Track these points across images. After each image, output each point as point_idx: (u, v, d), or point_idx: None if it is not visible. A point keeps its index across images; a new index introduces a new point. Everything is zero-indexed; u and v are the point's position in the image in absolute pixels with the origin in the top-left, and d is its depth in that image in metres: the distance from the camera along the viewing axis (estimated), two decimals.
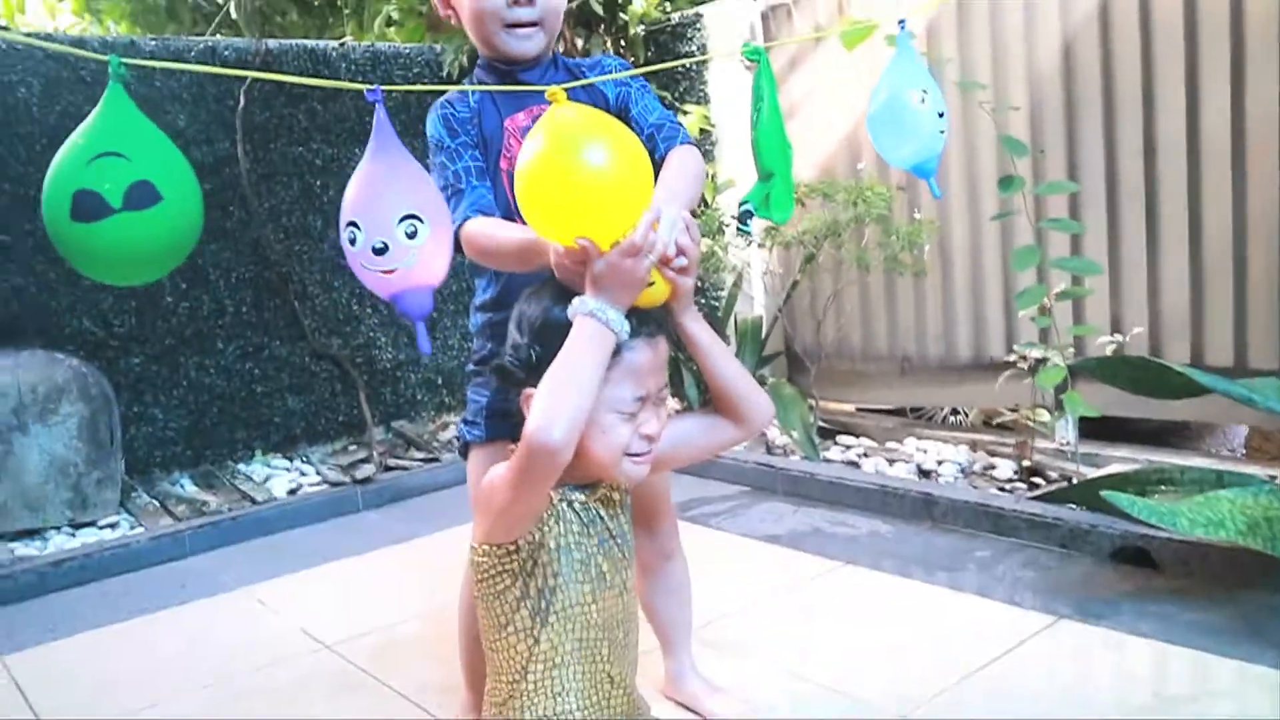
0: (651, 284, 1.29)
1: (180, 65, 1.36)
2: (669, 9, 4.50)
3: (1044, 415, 3.24)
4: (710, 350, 1.41)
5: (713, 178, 4.26)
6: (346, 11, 5.97)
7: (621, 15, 4.35)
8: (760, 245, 3.93)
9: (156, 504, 3.72)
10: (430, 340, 1.28)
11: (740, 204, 1.59)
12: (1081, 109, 3.38)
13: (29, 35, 3.96)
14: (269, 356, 4.27)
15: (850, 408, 4.32)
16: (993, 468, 3.44)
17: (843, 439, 3.92)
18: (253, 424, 4.25)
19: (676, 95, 4.34)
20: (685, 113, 4.22)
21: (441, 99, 1.76)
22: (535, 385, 1.27)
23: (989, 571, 2.71)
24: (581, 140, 1.21)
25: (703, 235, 3.75)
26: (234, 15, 4.95)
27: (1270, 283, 3.06)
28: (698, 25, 4.29)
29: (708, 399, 1.49)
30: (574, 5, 4.08)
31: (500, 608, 1.33)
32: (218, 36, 5.15)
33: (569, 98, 1.62)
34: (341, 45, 4.43)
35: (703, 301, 4.37)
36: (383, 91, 1.27)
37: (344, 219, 1.23)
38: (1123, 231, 3.35)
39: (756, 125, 1.56)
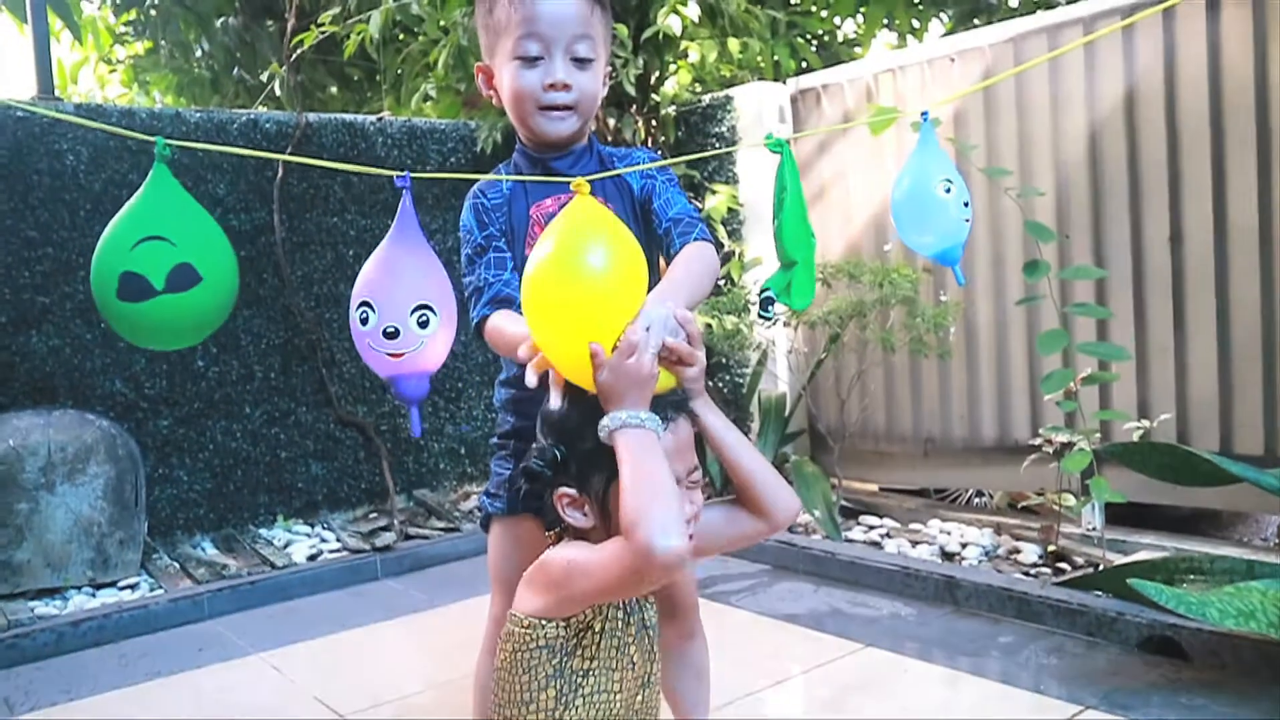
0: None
1: (225, 148, 1.42)
2: (700, 90, 4.60)
3: (1070, 499, 3.21)
4: (725, 440, 1.40)
5: (740, 256, 4.31)
6: (385, 87, 6.14)
7: (653, 96, 4.45)
8: (785, 324, 3.95)
9: (177, 566, 3.73)
10: (421, 423, 1.30)
11: (761, 291, 1.61)
12: (1108, 196, 3.41)
13: (80, 108, 4.09)
14: (295, 422, 4.31)
15: (873, 487, 4.29)
16: (1017, 551, 3.39)
17: (865, 519, 3.88)
18: (276, 489, 4.27)
19: (705, 175, 4.41)
20: (714, 192, 4.29)
21: (476, 187, 1.80)
22: (564, 485, 1.30)
23: (1013, 658, 2.66)
24: (573, 247, 1.25)
25: (728, 313, 3.79)
26: (277, 90, 5.10)
27: None
28: (728, 107, 4.37)
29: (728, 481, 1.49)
30: (612, 80, 4.18)
31: (528, 682, 1.30)
32: (260, 109, 5.29)
33: (596, 184, 1.65)
34: (379, 120, 4.54)
35: (727, 378, 4.38)
36: (411, 178, 1.31)
37: (356, 297, 1.26)
38: (1150, 317, 3.35)
39: (779, 214, 1.59)
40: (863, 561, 3.33)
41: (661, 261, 1.78)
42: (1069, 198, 3.51)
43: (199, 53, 6.75)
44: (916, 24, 5.99)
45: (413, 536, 4.04)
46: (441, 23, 4.58)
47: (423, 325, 1.25)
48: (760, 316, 1.61)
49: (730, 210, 4.32)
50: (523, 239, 1.75)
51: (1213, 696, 2.35)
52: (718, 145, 4.40)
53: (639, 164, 1.84)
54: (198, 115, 4.12)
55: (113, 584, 3.51)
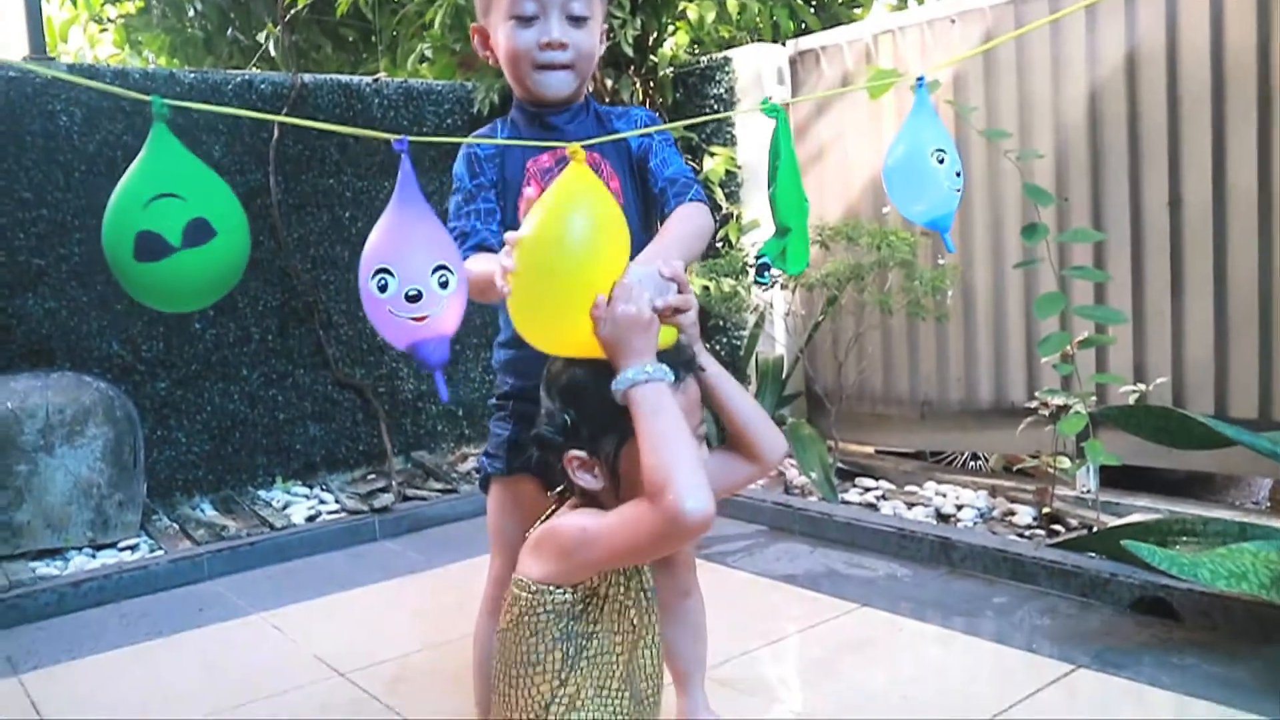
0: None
1: (221, 109, 1.41)
2: (698, 52, 4.56)
3: (1065, 462, 3.23)
4: (722, 387, 1.42)
5: (738, 218, 4.30)
6: (380, 48, 6.08)
7: (651, 57, 4.41)
8: (783, 287, 3.95)
9: (176, 527, 3.75)
10: (448, 387, 1.30)
11: (757, 257, 1.62)
12: (1107, 159, 3.40)
13: (73, 68, 4.05)
14: (292, 384, 4.31)
15: (870, 450, 4.31)
16: (1012, 514, 3.42)
17: (861, 481, 3.90)
18: (274, 451, 4.29)
19: (703, 137, 4.39)
20: (712, 154, 4.27)
21: (469, 140, 1.81)
22: (575, 448, 1.31)
23: (1007, 618, 2.69)
24: (553, 226, 1.30)
25: (725, 275, 3.78)
26: (271, 51, 5.06)
27: None
28: (726, 68, 4.34)
29: (724, 437, 1.50)
30: (611, 39, 4.15)
31: (535, 644, 1.32)
32: (255, 70, 5.25)
33: (593, 147, 1.65)
34: (375, 81, 4.51)
35: (725, 340, 4.39)
36: (409, 141, 1.30)
37: (370, 265, 1.25)
38: (1147, 281, 3.35)
39: (774, 180, 1.59)
40: (859, 523, 3.36)
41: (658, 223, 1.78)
42: (1068, 161, 3.49)
43: (192, 12, 6.67)
44: None
45: (411, 498, 4.06)
46: None
47: (444, 285, 1.25)
48: (757, 282, 1.62)
49: (728, 172, 4.31)
50: (516, 193, 1.75)
51: (1203, 656, 2.38)
52: (716, 107, 4.37)
53: (636, 122, 1.84)
54: (192, 76, 4.09)
55: (113, 545, 3.53)
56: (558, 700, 1.31)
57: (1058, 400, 3.14)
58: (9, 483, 3.35)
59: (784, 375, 4.23)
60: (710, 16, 4.38)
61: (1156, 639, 2.50)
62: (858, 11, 5.24)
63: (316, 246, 4.35)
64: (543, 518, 1.41)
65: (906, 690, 2.30)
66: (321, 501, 4.10)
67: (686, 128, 4.35)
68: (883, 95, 3.73)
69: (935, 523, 3.40)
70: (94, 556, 3.46)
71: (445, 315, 1.25)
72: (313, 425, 4.36)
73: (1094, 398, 3.15)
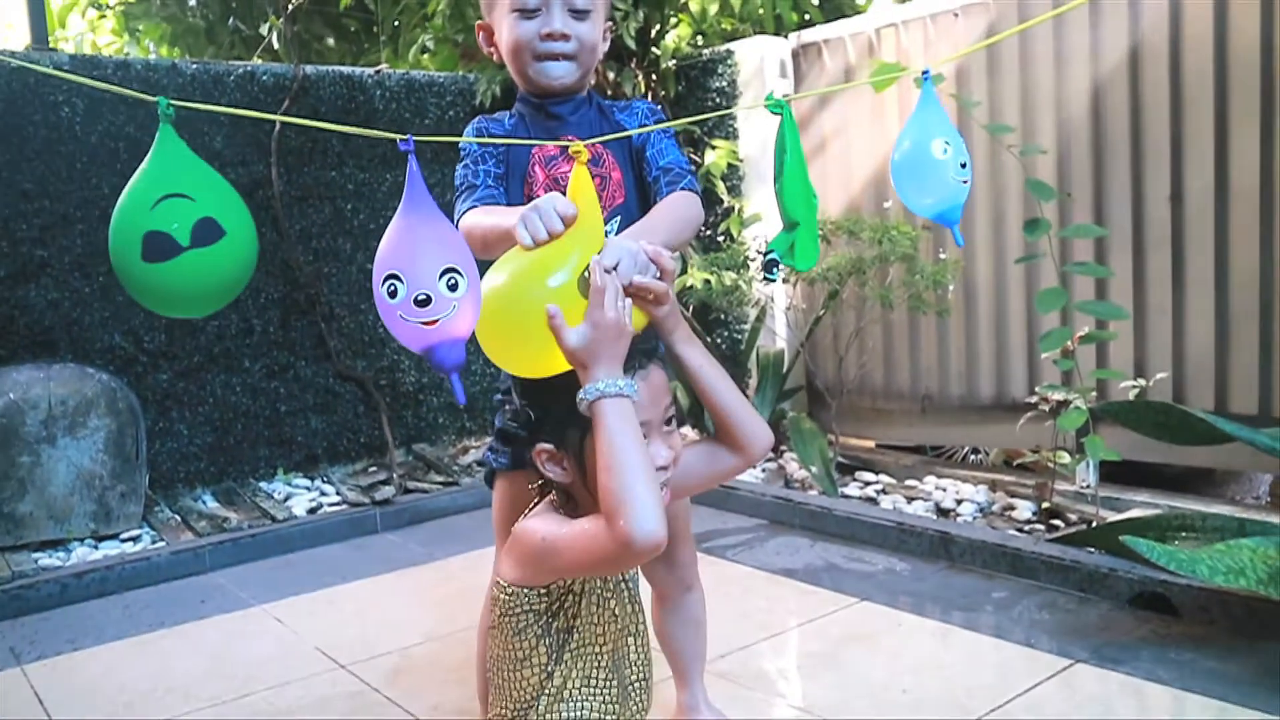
0: None
1: (227, 110, 1.41)
2: (700, 44, 4.55)
3: (1065, 457, 3.23)
4: (704, 375, 1.41)
5: (739, 212, 4.30)
6: (382, 39, 6.07)
7: (653, 50, 4.41)
8: (784, 281, 3.95)
9: (178, 519, 3.76)
10: (463, 390, 1.30)
11: (765, 252, 1.61)
12: (1110, 154, 3.40)
13: (75, 59, 4.04)
14: (294, 376, 4.32)
15: (870, 444, 4.32)
16: (1012, 508, 3.43)
17: (861, 475, 3.91)
18: (276, 443, 4.29)
19: (704, 130, 4.39)
20: (713, 147, 4.26)
21: (479, 116, 1.83)
22: (542, 442, 1.32)
23: (1005, 612, 2.70)
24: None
25: (727, 269, 3.79)
26: (273, 42, 5.05)
27: None
28: (729, 61, 4.34)
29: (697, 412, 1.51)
30: (613, 33, 4.14)
31: (519, 643, 1.34)
32: (257, 61, 5.24)
33: (596, 134, 1.67)
34: (377, 73, 4.51)
35: (726, 334, 4.39)
36: (414, 140, 1.30)
37: (381, 271, 1.25)
38: (1149, 277, 3.35)
39: (780, 175, 1.58)
40: (859, 517, 3.37)
41: None
42: (1070, 155, 3.49)
43: (193, 1, 6.66)
44: None
45: (412, 490, 4.07)
46: None
47: (452, 289, 1.24)
48: (765, 278, 1.62)
49: (730, 166, 4.30)
50: (521, 179, 1.76)
51: (1201, 651, 2.39)
52: (718, 99, 4.37)
53: (639, 114, 1.85)
54: (194, 67, 4.09)
55: (115, 536, 3.54)
56: (546, 693, 1.33)
57: (1058, 395, 3.15)
58: (12, 474, 3.36)
59: (785, 369, 4.23)
60: (713, 9, 4.37)
61: (1154, 634, 2.51)
62: (861, 4, 5.23)
63: (318, 239, 4.35)
64: (526, 511, 1.42)
65: (906, 684, 2.31)
66: (323, 493, 4.12)
67: (689, 121, 4.34)
68: (886, 89, 3.73)
69: (935, 517, 3.41)
70: (96, 548, 3.47)
71: (457, 318, 1.25)
72: (314, 417, 4.37)
73: (1094, 393, 3.16)
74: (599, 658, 1.35)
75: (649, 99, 4.44)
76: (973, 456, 4.23)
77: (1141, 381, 3.19)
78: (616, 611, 1.38)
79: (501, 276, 1.32)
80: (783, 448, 4.14)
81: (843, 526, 3.40)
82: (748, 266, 3.90)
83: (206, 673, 2.58)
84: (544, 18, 1.72)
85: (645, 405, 1.31)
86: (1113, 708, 2.18)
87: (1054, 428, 3.14)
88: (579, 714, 1.34)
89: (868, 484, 3.82)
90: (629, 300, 1.29)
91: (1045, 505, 3.33)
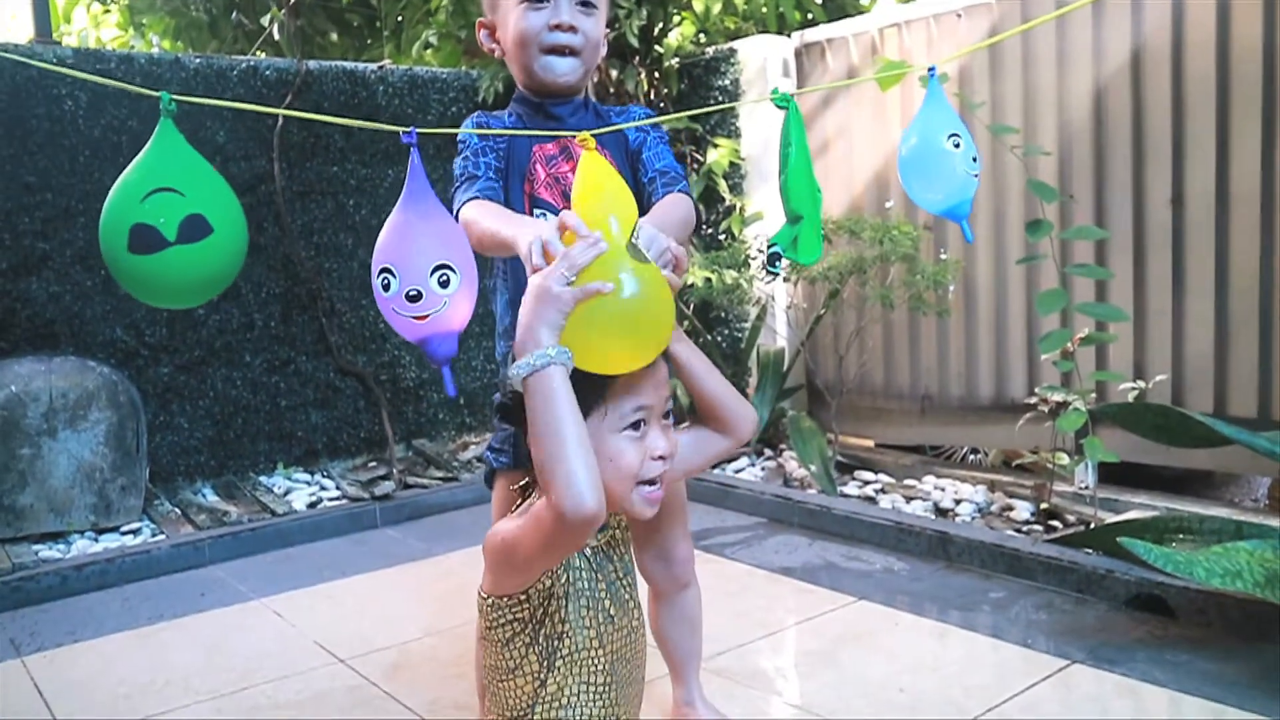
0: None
1: (231, 104, 1.41)
2: (703, 43, 4.56)
3: (1063, 458, 3.24)
4: (691, 367, 1.41)
5: (741, 210, 4.30)
6: (385, 34, 6.08)
7: (656, 48, 4.41)
8: (785, 279, 3.96)
9: (178, 512, 3.77)
10: (455, 382, 1.30)
11: (768, 246, 1.61)
12: (1111, 156, 3.40)
13: (78, 54, 4.05)
14: (295, 371, 4.33)
15: (869, 443, 4.32)
16: (1010, 509, 3.43)
17: (861, 474, 3.92)
18: (276, 437, 4.30)
19: (707, 128, 4.39)
20: (716, 146, 4.27)
21: (479, 112, 1.84)
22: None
23: (1003, 613, 2.71)
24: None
25: (728, 267, 3.79)
26: (276, 36, 5.05)
27: None
28: (732, 60, 4.34)
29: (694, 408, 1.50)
30: (609, 37, 4.15)
31: (508, 653, 1.32)
32: (260, 55, 5.25)
33: (594, 140, 1.66)
34: (380, 68, 4.51)
35: (726, 333, 4.39)
36: (417, 133, 1.31)
37: (377, 265, 1.26)
38: (1149, 279, 3.35)
39: (785, 169, 1.58)
40: (857, 516, 3.37)
41: None
42: (1072, 157, 3.49)
43: None
44: None
45: (411, 486, 4.08)
46: None
47: (444, 285, 1.25)
48: (768, 271, 1.62)
49: (732, 164, 4.31)
50: (521, 177, 1.77)
51: (1197, 653, 2.39)
52: (721, 98, 4.37)
53: (634, 116, 1.87)
54: (197, 61, 4.09)
55: (115, 529, 3.55)
56: (541, 700, 1.32)
57: (1058, 396, 3.15)
58: (12, 466, 3.36)
59: (785, 368, 4.24)
60: (716, 7, 4.37)
61: (1151, 636, 2.52)
62: (864, 4, 5.23)
63: (320, 234, 4.36)
64: (510, 514, 1.41)
65: (902, 683, 2.31)
66: (323, 488, 4.12)
67: (691, 119, 4.35)
68: (891, 87, 3.74)
69: (933, 517, 3.42)
70: (96, 540, 3.48)
71: (449, 312, 1.26)
72: (314, 412, 4.37)
73: (1094, 394, 3.16)
74: (596, 661, 1.34)
75: (652, 97, 4.45)
76: (972, 457, 4.24)
77: (1141, 384, 3.20)
78: (613, 613, 1.36)
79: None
80: (782, 446, 4.15)
81: (841, 525, 3.41)
82: (749, 265, 3.91)
83: (205, 666, 2.59)
84: (553, 9, 1.73)
85: (649, 392, 1.29)
86: (1109, 709, 2.18)
87: (1053, 429, 3.15)
88: (578, 718, 1.33)
89: (867, 483, 3.82)
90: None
91: (1043, 506, 3.34)
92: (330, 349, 4.38)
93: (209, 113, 4.02)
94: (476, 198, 1.68)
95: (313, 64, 4.35)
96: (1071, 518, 3.27)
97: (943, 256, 3.80)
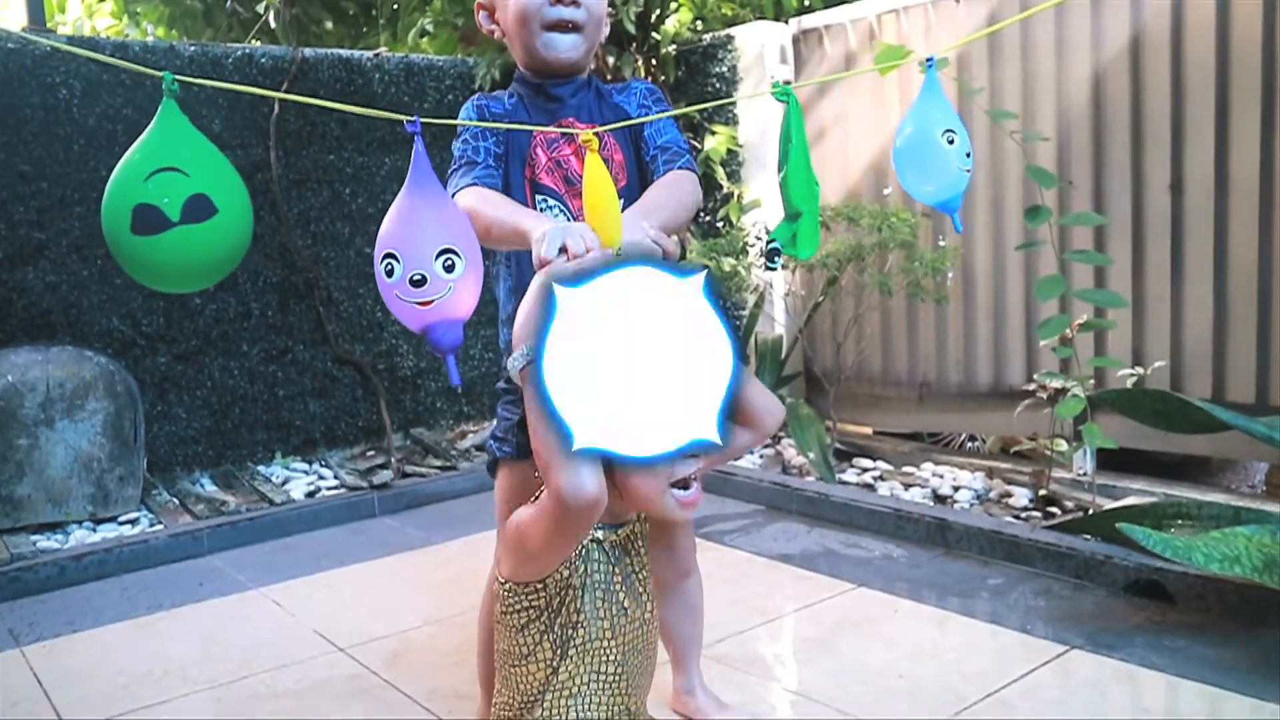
0: None
1: (233, 86, 1.39)
2: (700, 29, 4.54)
3: (1062, 445, 3.24)
4: None
5: (739, 198, 4.29)
6: (381, 21, 6.05)
7: (653, 35, 4.39)
8: (783, 267, 3.95)
9: (176, 502, 3.77)
10: (459, 372, 1.28)
11: (767, 241, 1.61)
12: (1110, 142, 3.39)
13: (72, 41, 4.03)
14: (292, 360, 4.32)
15: (868, 430, 4.32)
16: (1009, 495, 3.43)
17: (859, 461, 3.92)
18: (274, 426, 4.30)
19: (704, 115, 4.37)
20: (713, 133, 4.25)
21: (479, 94, 1.80)
22: None
23: (1002, 599, 2.71)
24: None
25: (726, 255, 3.78)
26: (271, 24, 5.03)
27: None
28: (729, 46, 4.32)
29: None
30: (613, 17, 4.13)
31: (523, 639, 1.32)
32: (255, 43, 5.22)
33: (595, 119, 1.65)
34: (376, 56, 4.49)
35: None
36: (421, 122, 1.29)
37: (380, 250, 1.25)
38: (1148, 265, 3.35)
39: (784, 164, 1.58)
40: (856, 503, 3.37)
41: None
42: (1070, 143, 3.49)
43: None
44: None
45: (409, 474, 4.08)
46: None
47: (449, 270, 1.23)
48: (767, 267, 1.61)
49: (729, 151, 4.30)
50: (522, 161, 1.73)
51: (1195, 638, 2.40)
52: (718, 85, 4.35)
53: (636, 95, 1.83)
54: (192, 49, 4.07)
55: (113, 519, 3.55)
56: (552, 688, 1.32)
57: (1056, 383, 3.15)
58: (10, 456, 3.36)
59: (783, 355, 4.23)
60: None
61: (1150, 621, 2.52)
62: None
63: (317, 222, 4.35)
64: (531, 502, 1.41)
65: (901, 669, 2.32)
66: (321, 477, 4.12)
67: (688, 105, 4.33)
68: (890, 72, 3.72)
69: (932, 504, 3.42)
70: (94, 530, 3.48)
71: (454, 299, 1.24)
72: (312, 401, 4.37)
73: (1092, 381, 3.16)
74: (608, 651, 1.34)
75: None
76: (970, 443, 4.24)
77: (1139, 370, 3.20)
78: (627, 605, 1.36)
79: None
80: (780, 434, 4.15)
81: (840, 512, 3.41)
82: (746, 252, 3.90)
83: (204, 655, 2.59)
84: None
85: None
86: (1107, 694, 2.19)
87: (1051, 415, 3.15)
88: (587, 708, 1.33)
89: (865, 470, 3.82)
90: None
91: (1042, 492, 3.34)
92: (328, 338, 4.37)
93: (205, 101, 4.00)
94: (475, 185, 1.66)
95: (308, 52, 4.33)
96: (1070, 504, 3.27)
97: (941, 243, 3.80)
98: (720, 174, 4.29)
